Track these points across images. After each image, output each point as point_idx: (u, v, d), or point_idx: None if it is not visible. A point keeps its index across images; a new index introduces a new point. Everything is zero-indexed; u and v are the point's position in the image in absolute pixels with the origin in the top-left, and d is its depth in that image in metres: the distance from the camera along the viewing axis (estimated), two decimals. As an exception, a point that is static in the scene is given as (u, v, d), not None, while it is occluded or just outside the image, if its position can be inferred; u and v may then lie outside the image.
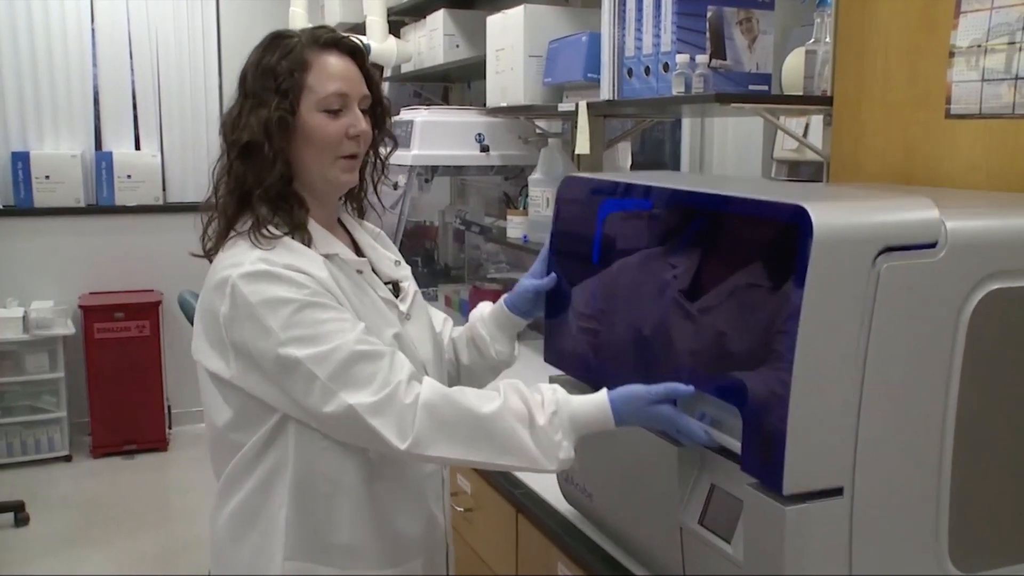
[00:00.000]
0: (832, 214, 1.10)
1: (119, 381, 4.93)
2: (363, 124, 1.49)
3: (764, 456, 1.15)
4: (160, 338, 5.05)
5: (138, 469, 4.87)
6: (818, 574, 1.15)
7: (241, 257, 1.41)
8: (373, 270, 1.58)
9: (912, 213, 1.16)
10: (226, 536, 1.54)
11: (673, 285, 1.37)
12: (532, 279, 1.69)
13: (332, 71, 1.47)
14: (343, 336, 1.36)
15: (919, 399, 1.16)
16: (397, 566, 1.54)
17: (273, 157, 1.44)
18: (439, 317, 1.77)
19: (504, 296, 1.72)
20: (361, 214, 1.68)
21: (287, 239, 1.44)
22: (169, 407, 5.17)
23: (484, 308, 1.75)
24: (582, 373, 1.63)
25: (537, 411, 1.38)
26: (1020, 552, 1.28)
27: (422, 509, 1.58)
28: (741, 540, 1.23)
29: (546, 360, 1.72)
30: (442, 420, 1.36)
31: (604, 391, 1.41)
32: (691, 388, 1.32)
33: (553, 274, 1.67)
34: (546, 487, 1.85)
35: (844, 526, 1.15)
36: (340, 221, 1.63)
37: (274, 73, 1.45)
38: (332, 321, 1.37)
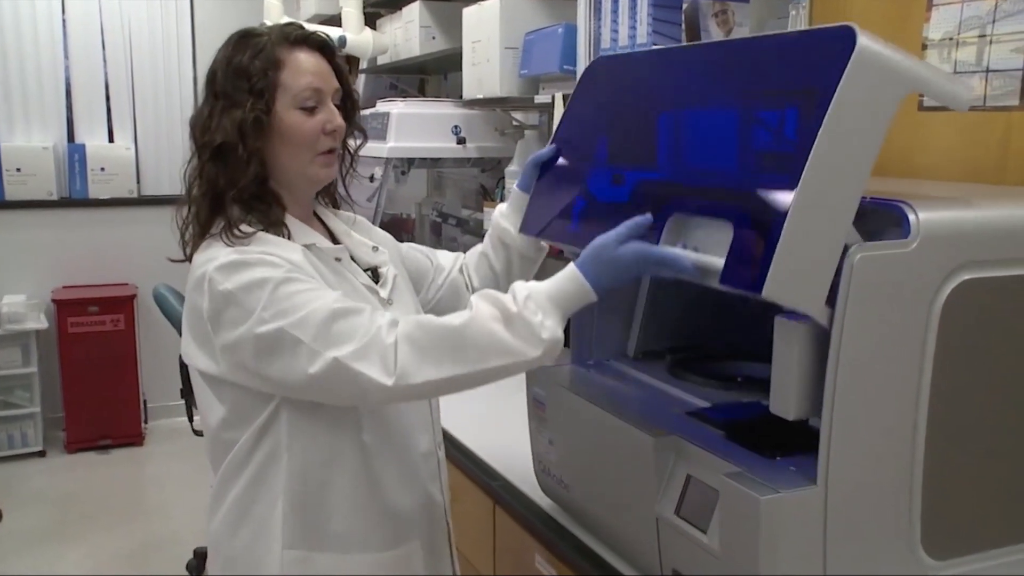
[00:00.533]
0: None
1: (94, 375, 4.89)
2: (339, 119, 1.50)
3: (751, 263, 1.13)
4: (135, 332, 5.01)
5: (113, 464, 4.84)
6: (793, 562, 1.16)
7: (215, 252, 1.41)
8: (352, 258, 1.59)
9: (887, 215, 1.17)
10: (223, 531, 1.53)
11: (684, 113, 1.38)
12: (534, 161, 1.69)
13: (305, 68, 1.47)
14: (320, 300, 1.36)
15: (892, 388, 1.17)
16: (396, 547, 1.55)
17: (247, 158, 1.43)
18: (449, 256, 1.81)
19: (516, 182, 1.73)
20: (335, 205, 1.68)
21: (261, 234, 1.44)
22: (145, 401, 5.14)
23: (502, 205, 1.76)
24: (566, 236, 1.59)
25: (509, 304, 1.35)
26: (990, 540, 1.30)
27: (418, 489, 1.59)
28: (717, 530, 1.24)
29: (521, 230, 1.70)
30: (422, 347, 1.33)
31: (570, 263, 1.39)
32: (648, 216, 1.33)
33: (555, 145, 1.67)
34: (524, 479, 1.85)
35: (818, 515, 1.16)
36: (315, 213, 1.63)
37: (247, 73, 1.44)
38: (308, 291, 1.37)
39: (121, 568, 3.72)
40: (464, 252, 1.85)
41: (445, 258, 1.82)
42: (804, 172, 1.08)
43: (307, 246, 1.48)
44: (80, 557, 3.80)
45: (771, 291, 1.09)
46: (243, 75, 1.44)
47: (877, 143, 1.13)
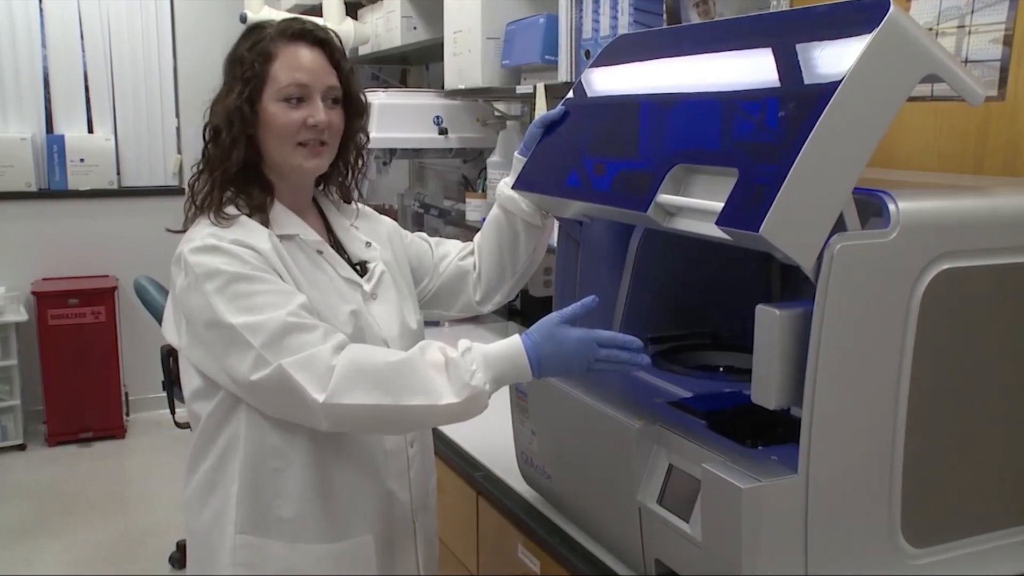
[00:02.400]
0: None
1: (74, 368, 4.86)
2: (321, 115, 1.52)
3: (752, 205, 1.14)
4: (116, 324, 4.98)
5: (95, 457, 4.81)
6: (774, 551, 1.16)
7: (196, 233, 1.48)
8: (343, 250, 1.63)
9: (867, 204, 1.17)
10: (192, 505, 1.59)
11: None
12: (541, 121, 1.70)
13: (294, 62, 1.51)
14: (276, 309, 1.40)
15: (872, 377, 1.18)
16: (343, 540, 1.56)
17: (231, 143, 1.50)
18: (456, 245, 1.84)
19: (518, 148, 1.75)
20: (347, 199, 1.72)
21: (243, 218, 1.50)
22: (126, 393, 5.11)
23: (507, 177, 1.78)
24: (559, 188, 1.59)
25: (449, 351, 1.42)
26: (970, 527, 1.31)
27: (376, 487, 1.59)
28: (699, 519, 1.25)
29: (514, 187, 1.71)
30: (358, 369, 1.38)
31: (516, 335, 1.45)
32: (595, 299, 1.43)
33: (563, 107, 1.67)
34: (507, 469, 1.85)
35: (799, 504, 1.16)
36: (317, 205, 1.67)
37: (241, 63, 1.51)
38: (269, 293, 1.42)
39: (103, 561, 3.70)
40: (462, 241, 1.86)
41: (450, 246, 1.84)
42: (817, 124, 1.09)
43: (288, 236, 1.52)
44: (61, 550, 3.78)
45: (769, 230, 1.09)
46: (238, 64, 1.52)
47: (890, 113, 1.15)
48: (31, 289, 4.90)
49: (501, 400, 1.77)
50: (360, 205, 1.75)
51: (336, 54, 1.56)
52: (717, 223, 1.17)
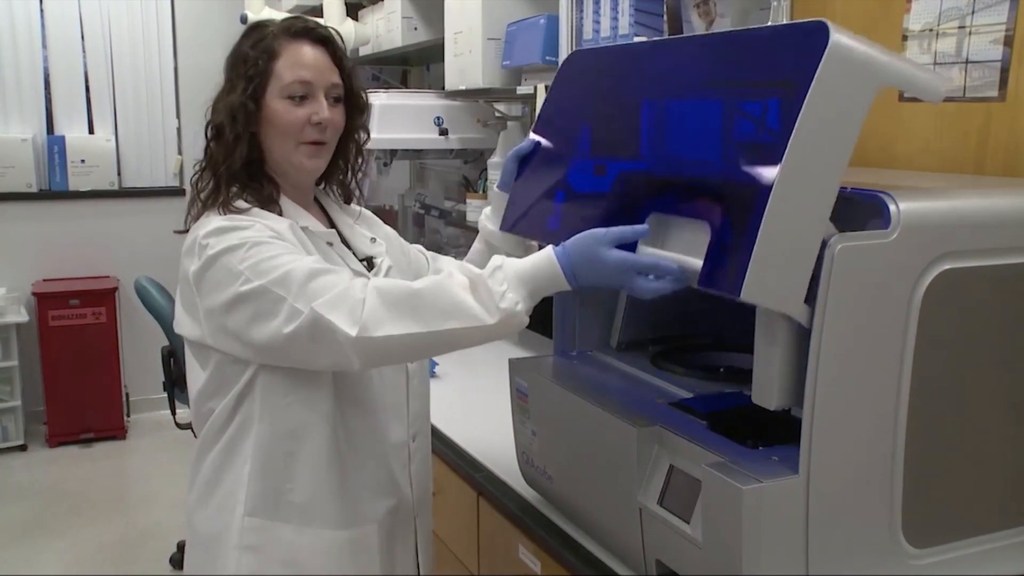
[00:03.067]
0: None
1: (75, 369, 4.86)
2: (326, 112, 1.52)
3: (729, 265, 1.14)
4: (117, 324, 4.98)
5: (96, 458, 4.81)
6: (775, 552, 1.16)
7: (208, 221, 1.47)
8: (348, 245, 1.64)
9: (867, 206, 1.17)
10: (196, 502, 1.58)
11: (662, 108, 1.39)
12: (514, 156, 1.68)
13: (298, 60, 1.52)
14: (299, 260, 1.39)
15: (873, 378, 1.18)
16: (352, 528, 1.56)
17: (234, 140, 1.50)
18: (452, 263, 1.80)
19: (497, 182, 1.73)
20: (347, 199, 1.72)
21: (256, 209, 1.50)
22: (127, 394, 5.11)
23: (487, 208, 1.77)
24: (544, 232, 1.57)
25: (478, 272, 1.38)
26: (971, 528, 1.31)
27: (383, 476, 1.60)
28: (700, 520, 1.25)
29: (501, 228, 1.68)
30: (386, 302, 1.35)
31: (549, 246, 1.40)
32: (645, 228, 1.32)
33: (533, 138, 1.65)
34: (507, 470, 1.85)
35: (800, 505, 1.16)
36: (319, 202, 1.68)
37: (245, 61, 1.51)
38: (287, 254, 1.41)
39: (104, 562, 3.70)
40: (455, 249, 1.86)
41: (444, 263, 1.82)
42: (778, 174, 1.09)
43: (300, 227, 1.53)
44: (62, 551, 3.78)
45: (749, 294, 1.10)
46: (241, 62, 1.52)
47: (852, 139, 1.13)
48: (32, 290, 4.90)
49: (502, 400, 1.77)
50: (362, 209, 1.76)
51: (338, 52, 1.57)
52: (699, 285, 1.18)
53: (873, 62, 1.14)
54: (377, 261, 1.66)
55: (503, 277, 1.36)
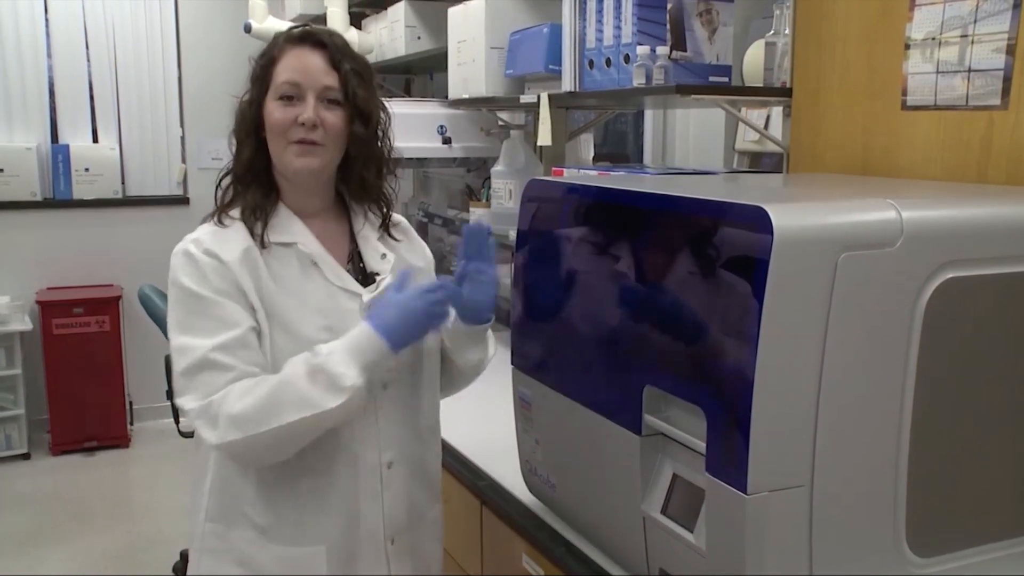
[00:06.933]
0: (792, 216, 1.11)
1: (79, 377, 4.86)
2: (309, 112, 1.53)
3: (728, 458, 1.16)
4: (121, 333, 4.99)
5: (99, 466, 4.81)
6: (779, 561, 1.16)
7: (192, 233, 1.57)
8: (360, 258, 1.65)
9: (871, 215, 1.17)
10: (191, 506, 1.68)
11: (635, 287, 1.38)
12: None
13: (292, 63, 1.56)
14: (206, 337, 1.48)
15: (877, 388, 1.18)
16: (300, 546, 1.57)
17: (239, 144, 1.59)
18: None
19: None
20: (378, 204, 1.69)
21: (237, 223, 1.56)
22: (131, 403, 5.12)
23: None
24: (545, 377, 1.63)
25: (313, 359, 1.45)
26: (976, 537, 1.31)
27: (340, 502, 1.57)
28: (703, 529, 1.25)
29: (513, 364, 1.72)
30: (239, 409, 1.44)
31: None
32: (449, 281, 1.52)
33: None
34: (511, 478, 1.85)
35: (804, 514, 1.16)
36: (347, 207, 1.68)
37: (253, 67, 1.59)
38: (210, 319, 1.49)
39: (106, 570, 3.69)
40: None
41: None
42: (757, 364, 1.09)
43: (285, 244, 1.56)
44: (65, 559, 3.78)
45: (755, 486, 1.12)
46: (251, 70, 1.60)
47: (823, 311, 1.12)
48: (36, 298, 4.91)
49: (505, 408, 1.77)
50: (402, 221, 1.77)
51: (337, 55, 1.56)
52: (707, 471, 1.20)
53: (822, 233, 1.12)
54: (379, 278, 1.64)
55: (339, 359, 1.44)
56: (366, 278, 1.63)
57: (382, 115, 1.65)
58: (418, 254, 1.76)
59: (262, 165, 1.59)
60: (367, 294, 1.60)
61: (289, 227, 1.58)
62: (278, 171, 1.59)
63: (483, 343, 1.71)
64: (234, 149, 1.61)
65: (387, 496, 1.62)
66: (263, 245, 1.55)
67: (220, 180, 1.62)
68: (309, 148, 1.54)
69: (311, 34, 1.58)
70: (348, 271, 1.62)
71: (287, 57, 1.56)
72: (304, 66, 1.54)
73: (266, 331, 1.52)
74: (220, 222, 1.57)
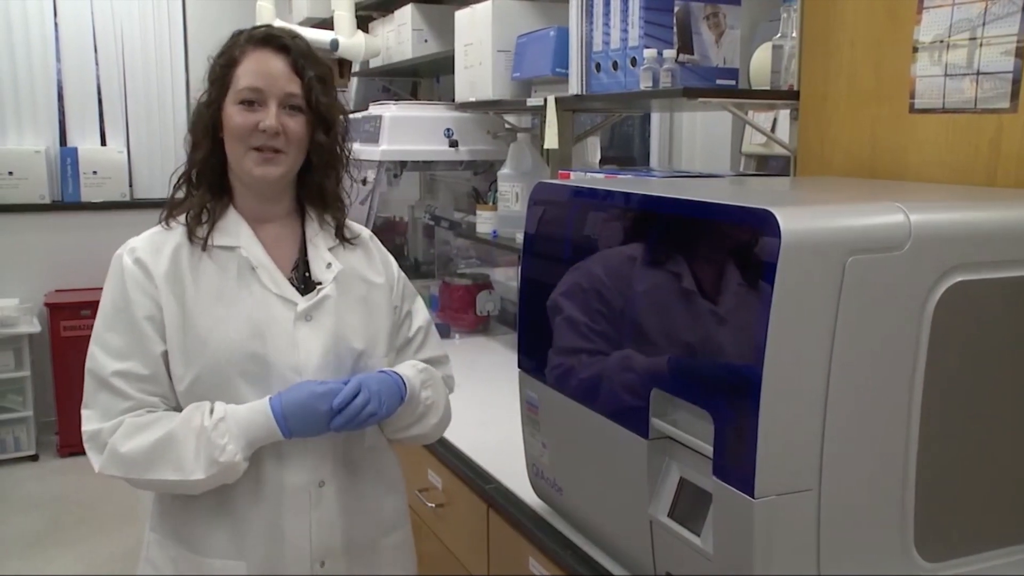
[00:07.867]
0: (799, 219, 1.10)
1: (86, 379, 4.86)
2: (271, 119, 1.51)
3: (735, 462, 1.16)
4: (128, 336, 4.99)
5: (106, 468, 4.81)
6: (786, 565, 1.16)
7: (132, 238, 1.62)
8: (308, 265, 1.61)
9: (879, 218, 1.17)
10: None
11: (641, 291, 1.37)
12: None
13: (254, 67, 1.53)
14: (113, 359, 1.53)
15: (885, 392, 1.17)
16: (218, 558, 1.57)
17: (194, 145, 1.58)
18: (415, 356, 1.74)
19: None
20: (324, 208, 1.65)
21: (179, 228, 1.57)
22: (137, 405, 5.11)
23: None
24: (552, 380, 1.62)
25: (205, 420, 1.48)
26: (984, 541, 1.30)
27: (263, 517, 1.55)
28: (711, 533, 1.24)
29: (520, 367, 1.72)
30: (119, 447, 1.51)
31: (267, 398, 1.51)
32: (356, 388, 1.49)
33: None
34: (517, 482, 1.85)
35: (812, 518, 1.16)
36: (306, 213, 1.65)
37: (211, 68, 1.57)
38: (121, 336, 1.54)
39: (114, 572, 3.70)
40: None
41: (407, 357, 1.73)
42: (763, 377, 1.09)
43: (227, 248, 1.56)
44: (73, 561, 3.79)
45: (762, 491, 1.12)
46: (210, 69, 1.57)
47: (831, 314, 1.11)
48: (44, 300, 4.93)
49: (512, 412, 1.77)
50: (363, 232, 1.71)
51: (300, 61, 1.54)
52: (714, 475, 1.20)
53: (830, 237, 1.12)
54: (319, 287, 1.59)
55: (225, 429, 1.47)
56: (308, 286, 1.60)
57: (342, 119, 1.63)
58: (376, 269, 1.69)
59: (217, 166, 1.57)
60: (304, 302, 1.56)
61: (235, 231, 1.57)
62: (234, 174, 1.57)
63: (416, 422, 1.66)
64: (188, 149, 1.59)
65: (315, 516, 1.57)
66: (204, 248, 1.54)
67: (174, 180, 1.60)
68: (271, 156, 1.53)
69: (274, 37, 1.55)
70: (291, 279, 1.59)
71: (248, 60, 1.53)
72: (267, 71, 1.52)
73: (182, 343, 1.51)
74: (167, 224, 1.59)
